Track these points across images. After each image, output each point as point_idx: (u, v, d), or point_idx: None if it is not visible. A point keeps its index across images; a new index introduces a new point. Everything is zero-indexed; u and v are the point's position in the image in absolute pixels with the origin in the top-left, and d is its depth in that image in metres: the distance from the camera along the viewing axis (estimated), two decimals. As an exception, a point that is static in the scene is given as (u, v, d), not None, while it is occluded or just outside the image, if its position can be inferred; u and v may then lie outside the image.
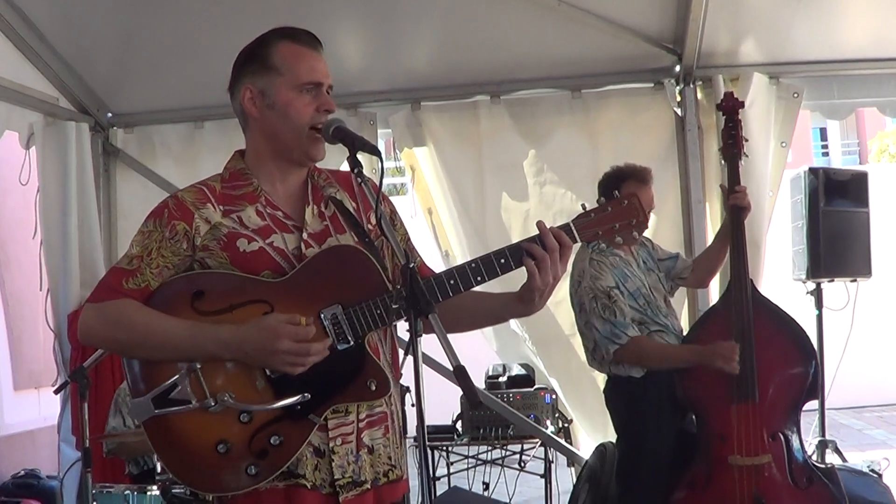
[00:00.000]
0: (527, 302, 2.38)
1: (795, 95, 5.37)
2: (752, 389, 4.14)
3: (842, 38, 5.25)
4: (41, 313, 5.59)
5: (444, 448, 5.79)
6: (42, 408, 7.68)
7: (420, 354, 2.05)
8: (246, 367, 2.29)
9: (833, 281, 5.69)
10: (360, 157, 2.33)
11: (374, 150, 2.34)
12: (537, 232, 2.35)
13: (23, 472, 6.53)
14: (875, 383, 11.97)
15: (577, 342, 4.60)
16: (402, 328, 2.17)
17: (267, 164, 2.45)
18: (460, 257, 5.62)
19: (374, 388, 2.34)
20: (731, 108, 4.48)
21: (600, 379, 4.70)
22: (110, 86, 5.75)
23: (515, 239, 2.40)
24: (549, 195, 5.66)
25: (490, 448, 5.81)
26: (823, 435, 5.60)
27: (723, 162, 4.56)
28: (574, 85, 5.59)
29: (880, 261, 5.87)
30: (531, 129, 5.67)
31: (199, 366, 2.26)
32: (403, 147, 5.80)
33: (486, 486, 5.85)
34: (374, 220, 2.44)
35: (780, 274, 5.69)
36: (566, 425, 5.83)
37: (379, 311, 2.31)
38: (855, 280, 5.72)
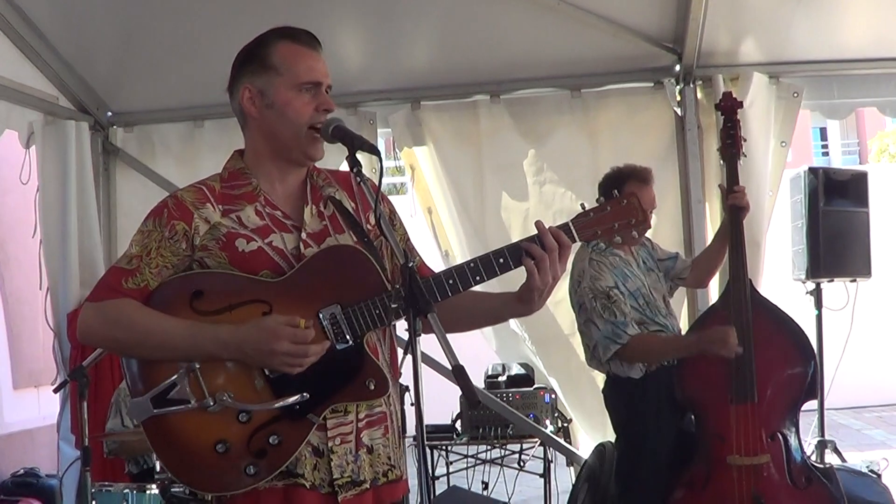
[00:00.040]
0: (526, 302, 2.38)
1: (795, 95, 5.37)
2: (751, 389, 4.14)
3: (842, 37, 5.25)
4: (41, 312, 5.59)
5: (444, 447, 5.79)
6: (41, 406, 7.68)
7: (419, 354, 2.05)
8: (245, 367, 2.30)
9: (833, 281, 5.69)
10: (360, 156, 2.33)
11: (373, 150, 2.34)
12: (536, 232, 2.35)
13: (22, 471, 6.54)
14: (874, 383, 11.97)
15: (577, 342, 4.60)
16: (402, 328, 2.17)
17: (266, 163, 2.45)
18: (460, 257, 5.62)
19: (372, 387, 2.34)
20: (729, 108, 4.47)
21: (600, 379, 4.70)
22: (110, 85, 5.75)
23: (515, 238, 2.40)
24: (548, 195, 5.66)
25: (489, 447, 5.81)
26: (822, 435, 5.60)
27: (721, 162, 4.56)
28: (574, 84, 5.59)
29: (880, 261, 5.87)
30: (531, 129, 5.67)
31: (197, 365, 2.27)
32: (403, 146, 5.80)
33: (486, 485, 5.86)
34: (373, 220, 2.44)
35: (779, 274, 5.69)
36: (565, 425, 5.83)
37: (378, 311, 2.31)
38: (854, 280, 5.73)
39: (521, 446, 5.72)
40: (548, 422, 5.65)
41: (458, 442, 5.73)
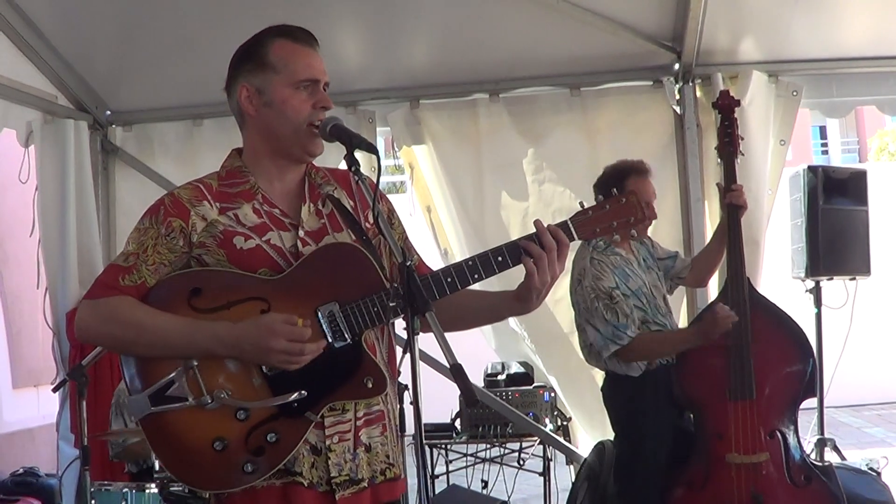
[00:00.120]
0: (524, 300, 2.38)
1: (795, 94, 5.36)
2: (750, 387, 4.15)
3: (841, 36, 5.24)
4: (40, 311, 5.58)
5: (443, 446, 5.79)
6: (41, 406, 7.68)
7: (417, 353, 2.05)
8: (243, 365, 2.30)
9: (832, 279, 5.69)
10: (358, 155, 2.33)
11: (371, 148, 2.34)
12: (535, 230, 2.35)
13: (22, 470, 6.53)
14: (874, 381, 11.98)
15: (576, 340, 4.60)
16: (400, 326, 2.17)
17: (264, 161, 2.46)
18: (459, 255, 5.62)
19: (370, 385, 2.34)
20: (727, 106, 4.47)
21: (599, 377, 4.70)
22: (109, 84, 5.74)
23: (514, 237, 2.40)
24: (547, 193, 5.66)
25: (489, 446, 5.81)
26: (822, 433, 5.60)
27: (719, 160, 4.56)
28: (573, 83, 5.58)
29: (879, 259, 5.87)
30: (530, 128, 5.66)
31: (195, 363, 2.27)
32: (402, 145, 5.79)
33: (485, 484, 5.86)
34: (371, 219, 2.44)
35: (779, 272, 5.69)
36: (565, 423, 5.84)
37: (376, 309, 2.32)
38: (854, 278, 5.73)
39: (520, 445, 5.73)
40: (547, 420, 5.65)
41: (457, 441, 5.73)
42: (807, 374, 4.27)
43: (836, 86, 5.48)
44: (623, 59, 5.43)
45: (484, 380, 5.90)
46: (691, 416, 4.40)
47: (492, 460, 5.92)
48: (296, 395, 2.27)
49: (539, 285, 2.33)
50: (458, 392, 1.99)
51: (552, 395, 5.71)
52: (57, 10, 5.14)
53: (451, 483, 5.83)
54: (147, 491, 4.24)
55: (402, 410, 4.16)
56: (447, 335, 2.06)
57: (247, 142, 2.50)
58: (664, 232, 5.34)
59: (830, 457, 5.45)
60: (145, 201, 2.53)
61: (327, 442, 2.33)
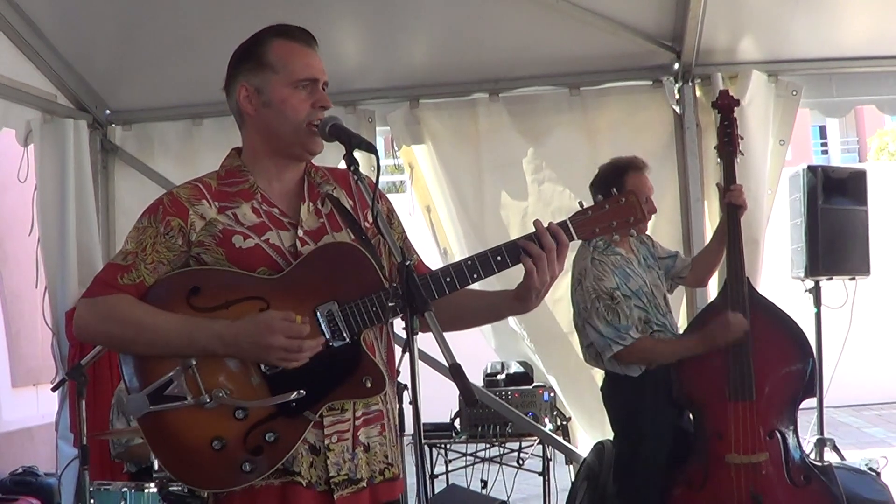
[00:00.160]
0: (523, 300, 2.38)
1: (794, 93, 5.36)
2: (750, 388, 4.14)
3: (841, 35, 5.24)
4: (39, 310, 5.58)
5: (443, 446, 5.79)
6: (40, 405, 7.68)
7: (416, 352, 2.05)
8: (241, 364, 2.30)
9: (831, 279, 5.68)
10: (358, 154, 2.33)
11: (370, 148, 2.34)
12: (534, 230, 2.35)
13: (21, 470, 6.53)
14: (873, 381, 11.98)
15: (576, 340, 4.60)
16: (400, 326, 2.17)
17: (264, 161, 2.46)
18: (459, 255, 5.61)
19: (369, 385, 2.34)
20: (726, 106, 4.47)
21: (598, 377, 4.70)
22: (109, 83, 5.74)
23: (514, 237, 2.40)
24: (547, 193, 5.66)
25: (488, 446, 5.81)
26: (822, 433, 5.60)
27: (719, 160, 4.56)
28: (573, 82, 5.58)
29: (879, 259, 5.87)
30: (530, 127, 5.66)
31: (194, 362, 2.27)
32: (402, 145, 5.79)
33: (485, 483, 5.86)
34: (370, 218, 2.44)
35: (778, 272, 5.69)
36: (564, 423, 5.84)
37: (375, 309, 2.32)
38: (853, 278, 5.72)
39: (520, 444, 5.73)
40: (547, 420, 5.65)
41: (456, 440, 5.73)
42: (806, 375, 4.27)
43: (835, 85, 5.48)
44: (623, 59, 5.43)
45: (483, 379, 5.90)
46: (691, 416, 4.40)
47: (491, 460, 5.92)
48: (294, 394, 2.27)
49: (538, 285, 2.33)
50: (458, 392, 1.99)
51: (551, 394, 5.71)
52: (57, 10, 5.14)
53: (450, 483, 5.83)
54: (146, 490, 4.24)
55: (401, 410, 4.16)
56: (446, 335, 2.06)
57: (246, 141, 2.50)
58: (664, 231, 5.33)
59: (830, 457, 5.45)
60: (145, 200, 2.53)
61: (326, 441, 2.33)
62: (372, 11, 5.19)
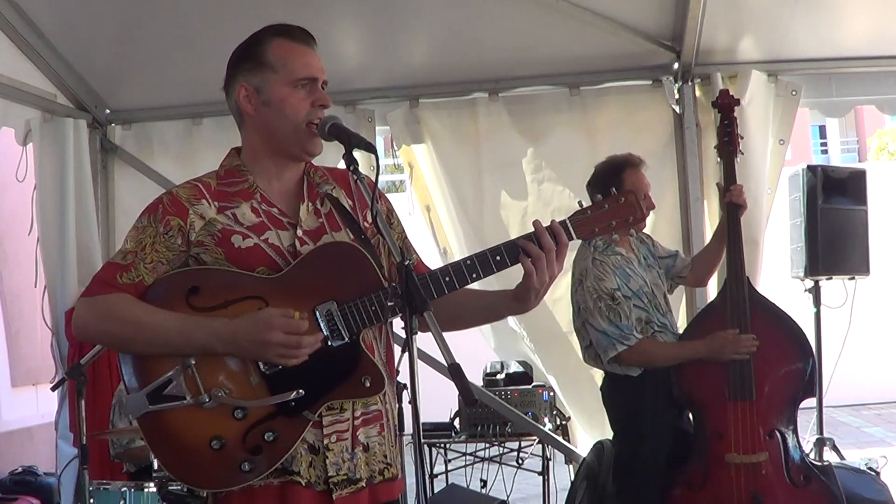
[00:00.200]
0: (522, 300, 2.38)
1: (794, 93, 5.36)
2: (750, 388, 4.14)
3: (840, 35, 5.24)
4: (39, 310, 5.58)
5: (442, 445, 5.78)
6: (40, 405, 7.68)
7: (415, 352, 2.05)
8: (240, 364, 2.30)
9: (831, 279, 5.68)
10: (357, 154, 2.33)
11: (369, 147, 2.34)
12: (533, 230, 2.35)
13: (20, 469, 6.53)
14: (873, 381, 11.98)
15: (575, 340, 4.60)
16: (399, 325, 2.17)
17: (263, 160, 2.46)
18: (458, 254, 5.61)
19: (368, 385, 2.34)
20: (726, 106, 4.47)
21: (598, 376, 4.70)
22: (108, 82, 5.74)
23: (513, 236, 2.40)
24: (547, 192, 5.66)
25: (488, 445, 5.81)
26: (821, 433, 5.59)
27: (719, 159, 4.56)
28: (572, 82, 5.58)
29: (878, 259, 5.87)
30: (529, 127, 5.66)
31: (193, 362, 2.27)
32: (401, 144, 5.79)
33: (484, 483, 5.86)
34: (370, 218, 2.44)
35: (778, 272, 5.69)
36: (564, 423, 5.84)
37: (374, 308, 2.32)
38: (853, 278, 5.72)
39: (519, 444, 5.72)
40: (546, 419, 5.65)
41: (456, 440, 5.72)
42: (806, 374, 4.27)
43: (835, 85, 5.48)
44: (622, 59, 5.43)
45: (483, 379, 5.90)
46: (690, 415, 4.40)
47: (491, 459, 5.92)
48: (294, 393, 2.27)
49: (537, 285, 2.33)
50: (457, 391, 1.99)
51: (551, 394, 5.71)
52: (56, 10, 5.14)
53: (449, 482, 5.83)
54: (146, 490, 4.24)
55: (400, 410, 4.16)
56: (445, 334, 2.06)
57: (245, 141, 2.50)
58: (663, 231, 5.34)
59: (829, 456, 5.45)
60: (144, 200, 2.53)
61: (325, 441, 2.33)
62: (372, 11, 5.19)
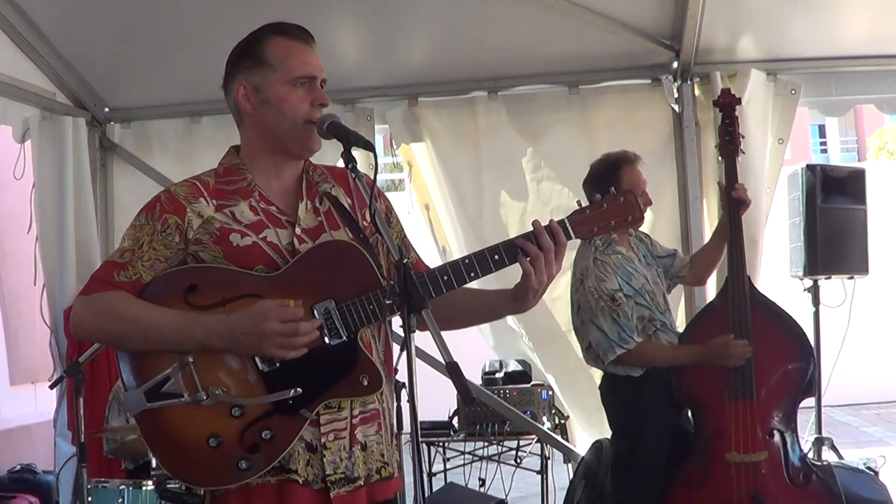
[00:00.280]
0: (520, 300, 2.38)
1: (793, 92, 5.36)
2: (750, 387, 4.14)
3: (840, 34, 5.24)
4: (38, 308, 5.58)
5: (441, 444, 5.78)
6: (38, 403, 7.69)
7: (413, 350, 2.05)
8: (238, 361, 2.30)
9: (830, 278, 5.68)
10: (356, 152, 2.33)
11: (367, 146, 2.33)
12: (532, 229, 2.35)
13: (19, 467, 6.54)
14: (872, 380, 11.98)
15: (574, 339, 4.60)
16: (398, 324, 2.17)
17: (262, 159, 2.46)
18: (457, 253, 5.61)
19: (366, 383, 2.34)
20: (728, 105, 4.47)
21: (597, 375, 4.70)
22: (107, 81, 5.74)
23: (513, 235, 2.40)
24: (546, 191, 5.66)
25: (486, 444, 5.81)
26: (820, 432, 5.59)
27: (720, 158, 4.56)
28: (571, 81, 5.58)
29: (878, 258, 5.86)
30: (529, 126, 5.66)
31: (191, 359, 2.27)
32: (401, 143, 5.79)
33: (483, 482, 5.86)
34: (368, 217, 2.44)
35: (777, 271, 5.69)
36: (563, 422, 5.84)
37: (372, 307, 2.32)
38: (852, 277, 5.72)
39: (518, 443, 5.73)
40: (545, 418, 5.65)
41: (455, 438, 5.72)
42: (807, 374, 4.26)
43: (834, 84, 5.48)
44: (622, 58, 5.43)
45: (482, 378, 5.90)
46: (690, 414, 4.40)
47: (489, 458, 5.92)
48: (291, 391, 2.27)
49: (535, 285, 2.33)
50: (456, 390, 1.99)
51: (550, 393, 5.71)
52: (56, 9, 5.14)
53: (448, 481, 5.83)
54: (144, 488, 4.24)
55: (399, 408, 4.16)
56: (444, 333, 2.05)
57: (244, 139, 2.50)
58: (662, 230, 5.34)
59: (828, 456, 5.44)
60: (143, 198, 2.53)
61: (323, 440, 2.33)
62: (371, 10, 5.19)
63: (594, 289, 4.23)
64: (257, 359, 2.29)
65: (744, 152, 4.55)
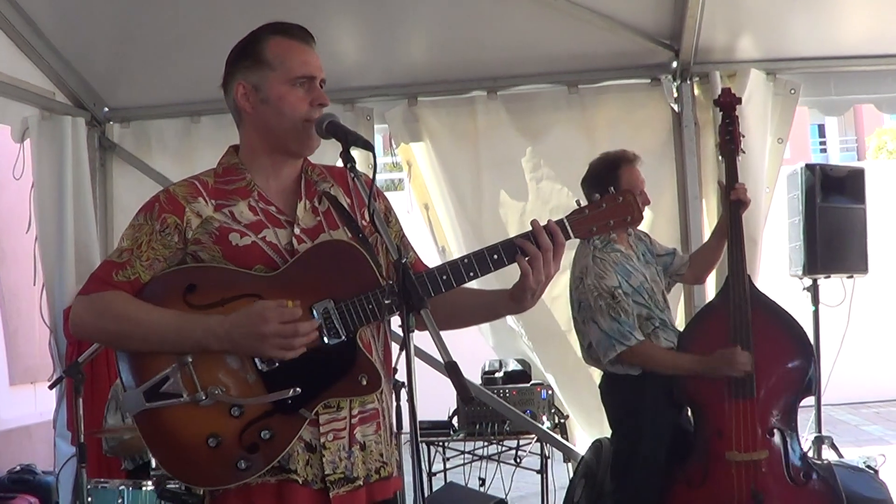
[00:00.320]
0: (519, 300, 2.38)
1: (792, 91, 5.36)
2: (751, 386, 4.14)
3: (839, 34, 5.24)
4: (37, 308, 5.58)
5: (440, 444, 5.78)
6: (38, 403, 7.69)
7: (412, 350, 2.05)
8: (237, 361, 2.30)
9: (829, 277, 5.68)
10: (355, 152, 2.33)
11: (366, 145, 2.33)
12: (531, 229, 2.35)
13: (19, 468, 6.54)
14: (872, 379, 11.99)
15: (574, 338, 4.60)
16: (397, 324, 2.17)
17: (261, 158, 2.46)
18: (457, 253, 5.60)
19: (364, 383, 2.34)
20: (728, 104, 4.47)
21: (596, 375, 4.70)
22: (107, 81, 5.73)
23: (512, 235, 2.39)
24: (545, 191, 5.65)
25: (486, 444, 5.81)
26: (820, 431, 5.59)
27: (720, 158, 4.56)
28: (571, 80, 5.58)
29: (877, 257, 5.86)
30: (528, 125, 5.66)
31: (190, 359, 2.27)
32: (400, 142, 5.79)
33: (483, 481, 5.86)
34: (368, 216, 2.44)
35: (776, 270, 5.69)
36: (562, 421, 5.83)
37: (371, 307, 2.31)
38: (851, 276, 5.72)
39: (517, 442, 5.73)
40: (545, 418, 5.65)
41: (454, 438, 5.72)
42: (807, 373, 4.26)
43: (834, 84, 5.47)
44: (621, 57, 5.42)
45: (481, 377, 5.90)
46: (689, 413, 4.40)
47: (489, 458, 5.92)
48: (290, 391, 2.26)
49: (534, 284, 2.33)
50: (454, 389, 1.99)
51: (549, 392, 5.71)
52: (55, 8, 5.14)
53: (448, 480, 5.83)
54: (143, 488, 4.24)
55: (398, 408, 4.16)
56: (443, 333, 2.06)
57: (244, 139, 2.50)
58: (662, 229, 5.34)
59: (828, 454, 5.44)
60: (143, 198, 2.53)
61: (322, 440, 2.33)
62: (370, 9, 5.19)
63: (594, 286, 4.23)
64: (256, 359, 2.29)
65: (744, 152, 4.55)
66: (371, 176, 2.36)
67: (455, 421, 5.77)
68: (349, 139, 2.31)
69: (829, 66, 5.41)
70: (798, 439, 4.24)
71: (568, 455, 5.71)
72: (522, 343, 5.86)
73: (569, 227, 2.37)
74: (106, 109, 5.91)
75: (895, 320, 12.10)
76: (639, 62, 5.47)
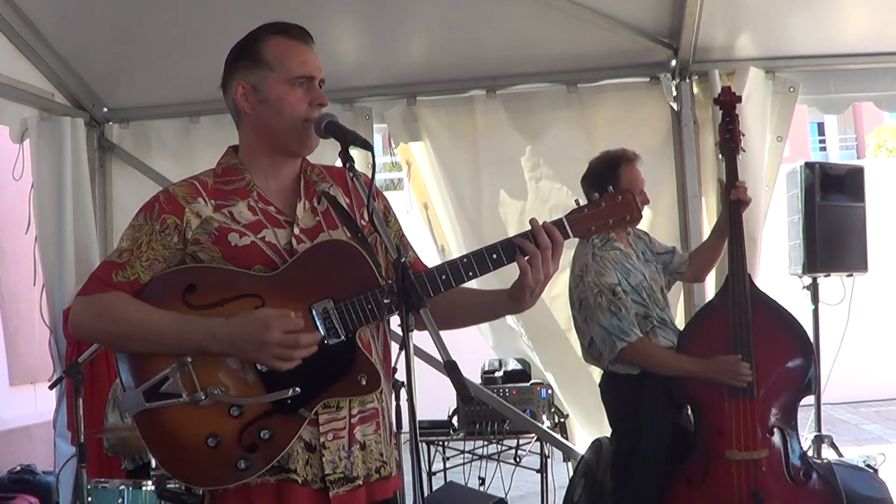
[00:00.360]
0: (518, 299, 2.38)
1: (792, 90, 5.36)
2: (750, 385, 4.14)
3: (838, 32, 5.24)
4: (37, 309, 5.58)
5: (440, 443, 5.78)
6: (38, 403, 7.69)
7: (412, 349, 2.05)
8: (237, 362, 2.30)
9: (829, 276, 5.68)
10: (355, 152, 2.33)
11: (365, 145, 2.33)
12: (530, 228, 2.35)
13: (19, 468, 6.54)
14: (871, 378, 11.99)
15: (574, 337, 4.60)
16: (396, 323, 2.17)
17: (260, 158, 2.46)
18: (456, 252, 5.61)
19: (364, 382, 2.34)
20: (728, 103, 4.47)
21: (596, 374, 4.70)
22: (106, 81, 5.73)
23: (511, 234, 2.40)
24: (545, 190, 5.65)
25: (486, 443, 5.81)
26: (819, 430, 5.59)
27: (720, 156, 4.56)
28: (570, 79, 5.58)
29: (876, 256, 5.86)
30: (527, 124, 5.66)
31: (189, 360, 2.27)
32: (399, 142, 5.78)
33: (482, 481, 5.85)
34: (367, 216, 2.44)
35: (776, 269, 5.68)
36: (562, 420, 5.83)
37: (370, 306, 2.31)
38: (851, 275, 5.71)
39: (517, 442, 5.73)
40: (544, 417, 5.65)
41: (454, 437, 5.72)
42: (807, 372, 4.26)
43: (833, 82, 5.47)
44: (620, 56, 5.42)
45: (481, 377, 5.90)
46: (689, 412, 4.40)
47: (489, 457, 5.92)
48: (290, 391, 2.27)
49: (533, 284, 2.33)
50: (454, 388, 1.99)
51: (549, 391, 5.71)
52: (54, 9, 5.14)
53: (448, 480, 5.83)
54: (143, 488, 4.24)
55: (398, 407, 4.16)
56: (443, 332, 2.06)
57: (243, 139, 2.50)
58: (661, 228, 5.34)
59: (827, 453, 5.44)
60: (142, 198, 2.53)
61: (321, 439, 2.33)
62: (370, 9, 5.19)
63: (594, 284, 4.23)
64: None
65: (744, 150, 4.55)
66: (370, 175, 2.35)
67: (455, 420, 5.77)
68: (348, 139, 2.31)
69: (828, 64, 5.41)
70: (798, 438, 4.24)
71: (568, 454, 5.71)
72: (522, 342, 5.86)
73: (568, 227, 2.37)
74: (105, 110, 5.91)
75: (895, 319, 12.11)
76: (638, 61, 5.47)
